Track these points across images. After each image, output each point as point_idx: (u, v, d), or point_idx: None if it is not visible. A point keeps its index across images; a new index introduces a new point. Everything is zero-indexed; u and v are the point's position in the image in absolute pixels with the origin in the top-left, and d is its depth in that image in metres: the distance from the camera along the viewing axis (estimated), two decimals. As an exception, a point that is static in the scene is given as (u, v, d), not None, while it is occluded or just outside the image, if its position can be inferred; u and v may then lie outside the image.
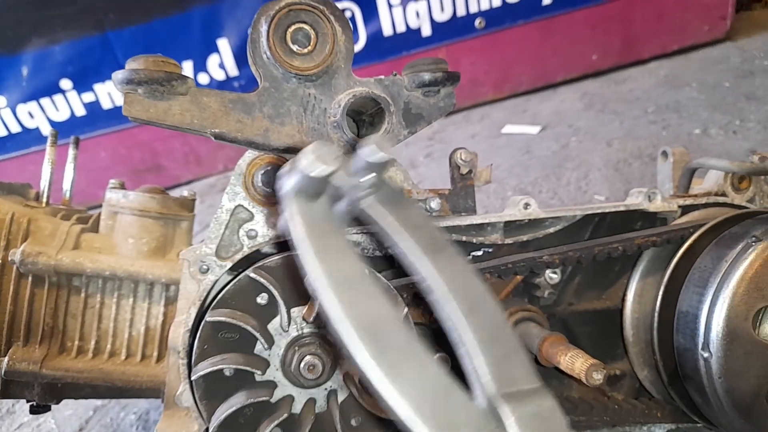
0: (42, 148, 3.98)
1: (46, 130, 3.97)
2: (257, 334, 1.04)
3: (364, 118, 1.27)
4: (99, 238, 1.32)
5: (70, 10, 3.69)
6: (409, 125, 1.16)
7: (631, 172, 3.24)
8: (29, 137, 3.92)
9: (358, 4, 4.05)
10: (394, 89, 1.14)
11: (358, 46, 4.14)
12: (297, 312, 1.12)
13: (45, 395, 1.29)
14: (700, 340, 1.17)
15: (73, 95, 3.92)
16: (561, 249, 1.32)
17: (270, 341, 1.09)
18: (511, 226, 1.40)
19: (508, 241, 1.38)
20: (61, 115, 3.96)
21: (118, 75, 1.02)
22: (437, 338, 1.40)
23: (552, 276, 1.43)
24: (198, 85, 1.08)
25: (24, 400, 1.34)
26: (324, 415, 1.12)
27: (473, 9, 4.24)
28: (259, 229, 1.20)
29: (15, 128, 3.94)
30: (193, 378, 1.03)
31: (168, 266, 1.27)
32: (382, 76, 1.13)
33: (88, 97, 3.96)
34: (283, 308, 1.06)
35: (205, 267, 1.18)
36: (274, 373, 1.11)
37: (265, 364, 1.08)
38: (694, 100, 3.94)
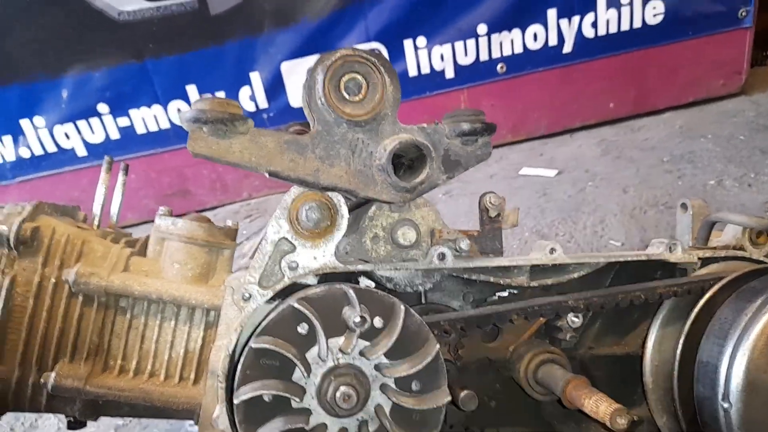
0: (75, 168, 4.12)
1: (81, 151, 4.11)
2: (297, 362, 1.10)
3: (404, 161, 1.35)
4: (146, 262, 1.39)
5: (111, 39, 3.86)
6: (447, 171, 1.24)
7: (647, 220, 3.30)
8: (64, 157, 4.06)
9: (386, 45, 4.21)
10: (436, 137, 1.23)
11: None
12: (334, 342, 1.18)
13: (86, 411, 1.35)
14: (721, 390, 1.21)
15: (108, 119, 4.07)
16: (586, 294, 1.38)
17: (308, 369, 1.15)
18: (536, 270, 1.46)
19: (534, 284, 1.44)
20: (97, 138, 4.10)
21: (186, 114, 1.11)
22: (461, 374, 1.45)
23: (574, 320, 1.49)
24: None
25: (48, 415, 1.39)
26: (355, 444, 1.17)
27: (496, 54, 4.38)
28: (301, 261, 1.27)
29: (51, 148, 4.08)
30: (236, 402, 1.09)
31: (210, 292, 1.34)
32: (425, 124, 1.21)
33: (123, 121, 4.11)
34: (322, 338, 1.12)
35: (247, 295, 1.25)
36: (310, 401, 1.17)
37: (302, 392, 1.14)
38: (709, 151, 4.02)
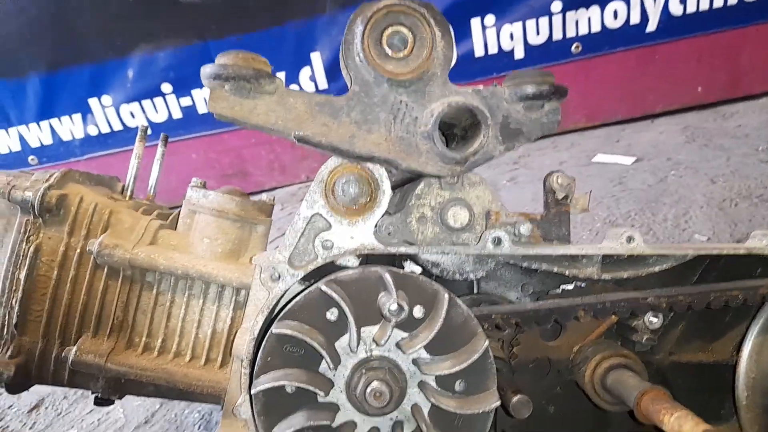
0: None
1: (145, 130, 4.17)
2: (323, 352, 0.97)
3: (456, 132, 1.18)
4: (176, 235, 1.30)
5: (175, 20, 3.88)
6: (506, 140, 1.06)
7: (738, 213, 2.95)
8: (129, 135, 4.13)
9: (451, 24, 3.99)
10: (493, 101, 1.05)
11: (448, 66, 4.08)
12: (368, 332, 1.04)
13: (108, 389, 1.28)
14: (838, 415, 0.98)
15: (172, 99, 4.11)
16: (670, 291, 1.17)
17: (336, 360, 1.02)
18: (609, 261, 1.26)
19: (605, 276, 1.24)
20: (160, 117, 4.15)
21: (207, 69, 1.00)
22: (515, 375, 1.27)
23: (653, 320, 1.28)
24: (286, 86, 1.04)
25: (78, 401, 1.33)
26: (387, 448, 1.03)
27: (570, 33, 4.07)
28: (336, 240, 1.14)
29: (117, 126, 4.17)
30: (253, 391, 0.97)
31: (240, 270, 1.23)
32: (481, 87, 1.04)
33: (185, 101, 4.14)
34: (353, 326, 0.98)
35: (276, 274, 1.13)
36: (338, 396, 1.03)
37: (329, 385, 1.01)
38: (814, 140, 3.58)
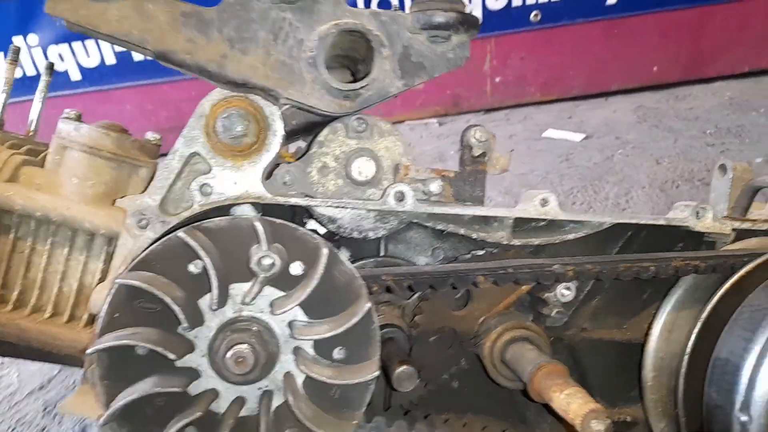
0: (67, 93, 3.90)
1: (76, 74, 3.88)
2: (176, 308, 0.84)
3: (360, 67, 1.05)
4: (43, 173, 1.14)
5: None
6: (405, 75, 0.93)
7: (679, 195, 2.93)
8: (56, 81, 3.83)
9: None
10: (393, 28, 0.92)
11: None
12: (238, 289, 0.91)
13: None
14: (739, 398, 0.92)
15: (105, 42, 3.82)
16: (578, 260, 1.08)
17: (197, 320, 0.89)
18: (522, 226, 1.17)
19: (516, 242, 1.15)
20: (92, 62, 3.86)
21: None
22: (414, 345, 1.18)
23: (564, 292, 1.20)
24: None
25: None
26: (251, 420, 0.91)
27: (531, 0, 3.95)
28: (216, 185, 1.01)
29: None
30: (89, 352, 0.84)
31: (111, 216, 1.08)
32: (380, 10, 0.91)
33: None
34: (214, 281, 0.86)
35: (144, 221, 0.99)
36: (199, 360, 0.91)
37: (186, 348, 0.88)
38: (760, 127, 3.58)
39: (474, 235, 1.13)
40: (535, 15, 4.01)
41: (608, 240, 1.25)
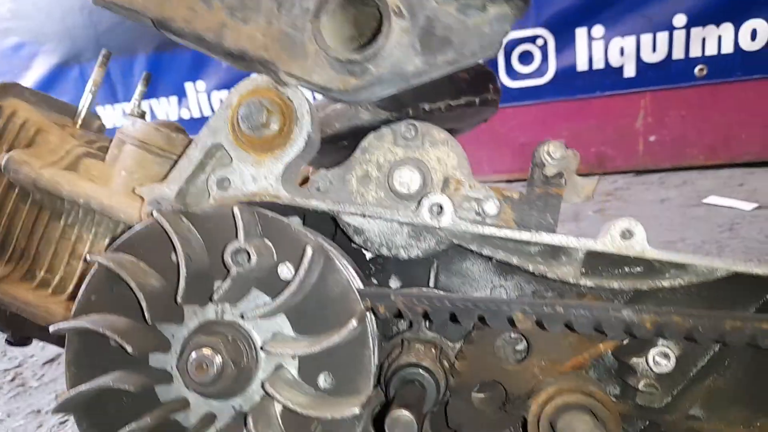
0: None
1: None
2: (140, 296, 0.74)
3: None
4: (100, 166, 1.17)
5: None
6: (426, 51, 0.77)
7: None
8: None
9: (553, 33, 3.64)
10: (416, -6, 0.77)
11: (544, 80, 3.72)
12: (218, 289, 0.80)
13: (5, 324, 1.17)
14: None
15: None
16: (664, 310, 0.80)
17: (173, 316, 0.79)
18: (597, 261, 0.91)
19: (587, 282, 0.90)
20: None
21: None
22: (446, 397, 0.96)
23: (659, 360, 0.91)
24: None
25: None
26: (218, 443, 0.78)
27: (695, 53, 3.52)
28: (235, 180, 0.93)
29: (207, 112, 4.32)
30: (51, 329, 0.77)
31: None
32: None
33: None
34: (183, 271, 0.75)
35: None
36: (173, 363, 0.80)
37: (154, 345, 0.79)
38: None
39: (531, 268, 0.90)
40: (700, 69, 3.56)
41: (735, 297, 0.93)
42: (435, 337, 1.01)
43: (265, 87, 0.92)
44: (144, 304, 0.75)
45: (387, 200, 1.03)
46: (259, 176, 0.91)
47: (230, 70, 4.15)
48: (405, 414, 0.74)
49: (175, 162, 1.09)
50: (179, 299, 0.74)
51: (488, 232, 0.88)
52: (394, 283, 1.08)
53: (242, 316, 0.78)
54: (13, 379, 2.41)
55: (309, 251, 0.73)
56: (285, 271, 0.78)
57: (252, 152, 0.92)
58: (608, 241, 0.86)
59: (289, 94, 0.91)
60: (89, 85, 1.29)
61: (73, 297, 1.11)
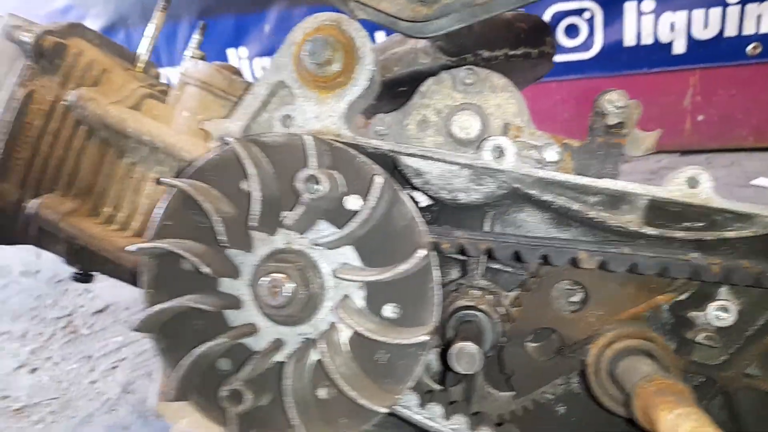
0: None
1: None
2: (215, 220, 0.77)
3: None
4: (162, 107, 1.19)
5: (314, -21, 3.93)
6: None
7: None
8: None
9: (601, 5, 3.54)
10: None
11: (590, 54, 3.63)
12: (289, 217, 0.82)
13: (70, 255, 1.21)
14: None
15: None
16: (734, 257, 0.80)
17: (243, 243, 0.81)
18: (660, 211, 0.90)
19: (650, 230, 0.89)
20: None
21: None
22: (502, 343, 0.97)
23: (719, 314, 0.90)
24: None
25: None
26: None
27: (748, 30, 3.39)
28: (299, 117, 0.94)
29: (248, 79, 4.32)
30: (128, 249, 0.80)
31: (209, 149, 1.09)
32: None
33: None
34: (257, 199, 0.77)
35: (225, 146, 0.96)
36: (243, 290, 0.83)
37: (227, 270, 0.81)
38: None
39: (592, 214, 0.90)
40: (754, 47, 3.43)
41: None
42: (489, 284, 1.02)
43: (329, 24, 0.93)
44: (218, 228, 0.77)
45: (446, 145, 1.03)
46: (322, 114, 0.93)
47: (273, 37, 4.17)
48: (470, 344, 0.75)
49: (238, 101, 1.13)
50: (252, 223, 0.77)
51: (550, 176, 0.88)
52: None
53: (310, 245, 0.80)
54: (65, 327, 2.51)
55: (380, 179, 0.75)
56: (352, 202, 0.79)
57: (316, 90, 0.93)
58: (674, 189, 0.85)
59: (352, 33, 0.92)
60: (150, 29, 1.31)
61: (138, 233, 1.15)
